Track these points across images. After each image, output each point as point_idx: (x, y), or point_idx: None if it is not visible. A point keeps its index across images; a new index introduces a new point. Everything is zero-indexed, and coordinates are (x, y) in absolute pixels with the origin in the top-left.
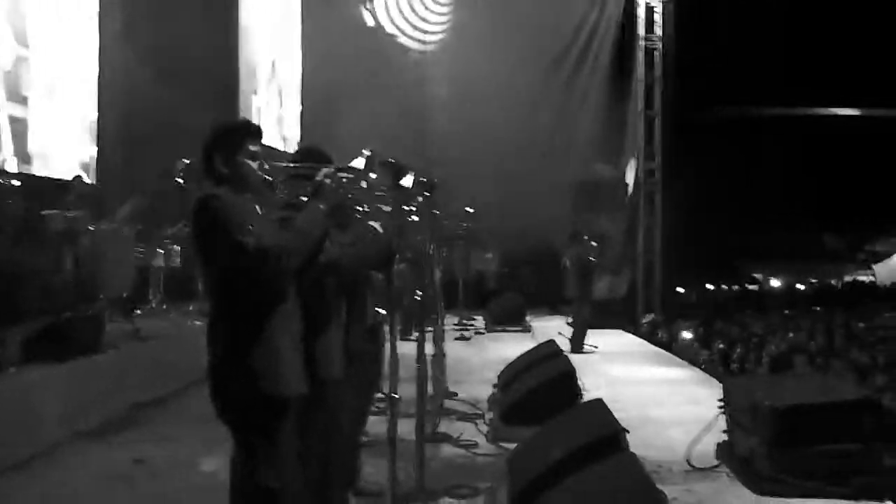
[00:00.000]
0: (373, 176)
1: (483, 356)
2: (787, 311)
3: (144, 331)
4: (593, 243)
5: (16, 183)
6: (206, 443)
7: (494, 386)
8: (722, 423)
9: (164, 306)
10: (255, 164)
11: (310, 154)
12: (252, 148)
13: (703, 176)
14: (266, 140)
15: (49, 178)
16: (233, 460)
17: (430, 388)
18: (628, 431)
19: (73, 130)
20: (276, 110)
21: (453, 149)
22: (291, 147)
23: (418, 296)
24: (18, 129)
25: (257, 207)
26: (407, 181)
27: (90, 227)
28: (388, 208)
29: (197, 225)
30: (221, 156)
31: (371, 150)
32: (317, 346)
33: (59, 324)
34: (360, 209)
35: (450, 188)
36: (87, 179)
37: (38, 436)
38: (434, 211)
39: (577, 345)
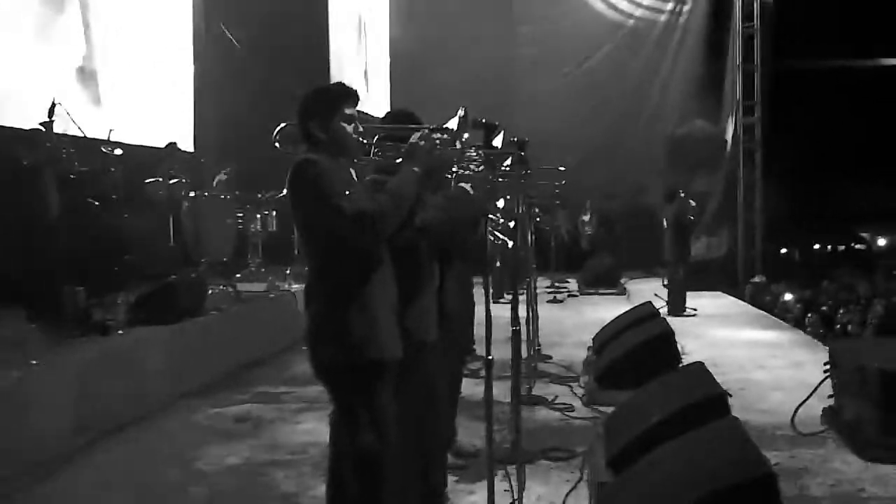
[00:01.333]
0: (465, 136)
1: (577, 319)
2: (894, 272)
3: (244, 294)
4: (691, 202)
5: (118, 152)
6: (306, 402)
7: (589, 349)
8: (828, 387)
9: (263, 270)
10: (350, 128)
11: (401, 116)
12: (348, 112)
13: (805, 131)
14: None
15: (148, 146)
16: (333, 421)
17: (524, 351)
18: (731, 395)
19: (169, 98)
20: (362, 67)
21: (545, 107)
22: (380, 104)
23: (511, 257)
24: (116, 98)
25: (352, 172)
26: (498, 141)
27: (190, 194)
28: (479, 168)
29: (294, 189)
30: (317, 120)
31: (465, 110)
32: (412, 309)
33: (163, 288)
34: (454, 170)
35: (543, 147)
36: (181, 147)
37: (144, 396)
38: (526, 171)
39: (676, 307)
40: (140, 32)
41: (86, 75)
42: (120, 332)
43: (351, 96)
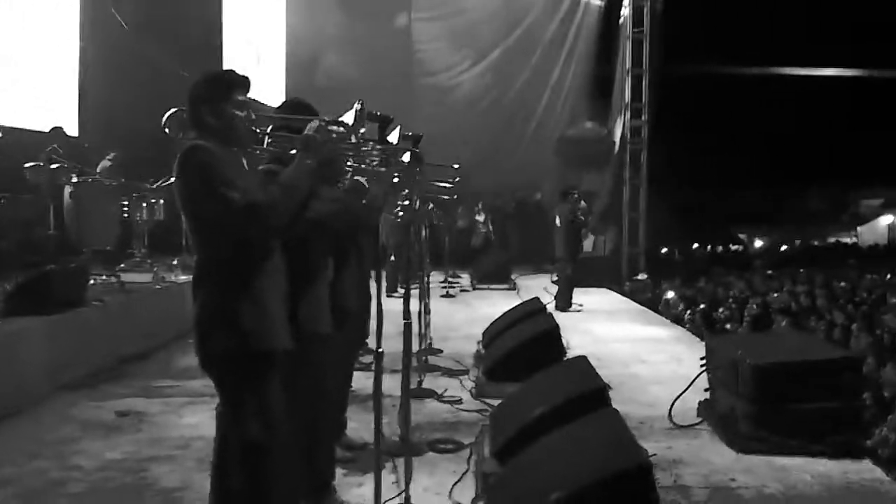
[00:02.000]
0: (362, 130)
1: (468, 313)
2: (769, 272)
3: (129, 284)
4: (583, 202)
5: None
6: (191, 396)
7: (479, 343)
8: (704, 381)
9: (149, 260)
10: (242, 115)
11: (297, 107)
12: (240, 98)
13: (689, 135)
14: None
15: (29, 129)
16: (219, 413)
17: (415, 345)
18: (611, 388)
19: (54, 82)
20: (255, 53)
21: (439, 105)
22: (274, 94)
23: (404, 252)
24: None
25: (244, 160)
26: (393, 136)
27: (73, 180)
28: (375, 163)
29: (182, 177)
30: (208, 106)
31: (361, 103)
32: (304, 301)
33: (40, 276)
34: (349, 164)
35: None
36: (67, 131)
37: (21, 389)
38: (420, 167)
39: (563, 303)
40: (24, 12)
41: None
42: None
43: (243, 83)
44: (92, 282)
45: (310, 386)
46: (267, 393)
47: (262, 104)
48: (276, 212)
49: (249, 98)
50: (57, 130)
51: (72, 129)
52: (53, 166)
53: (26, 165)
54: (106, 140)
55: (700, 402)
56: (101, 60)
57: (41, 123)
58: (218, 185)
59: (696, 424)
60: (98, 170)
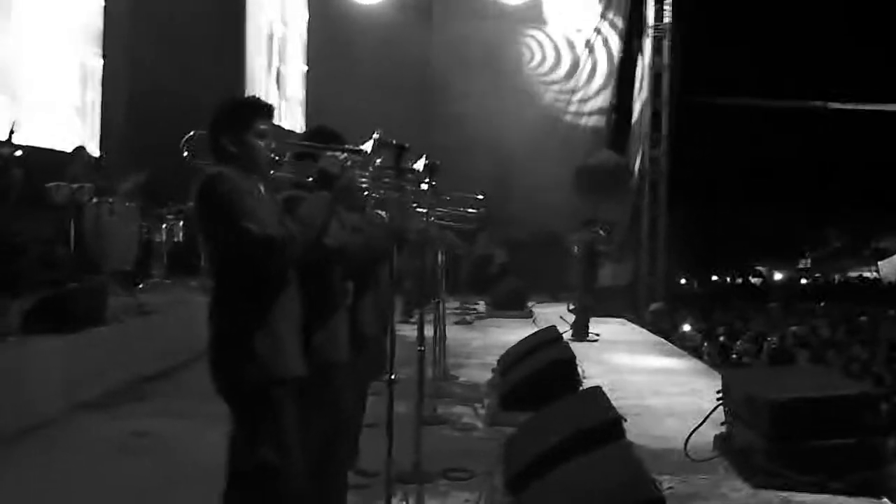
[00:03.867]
0: (378, 160)
1: (484, 340)
2: (788, 305)
3: (147, 305)
4: (601, 231)
5: (18, 153)
6: (207, 417)
7: (494, 370)
8: (720, 414)
9: (167, 281)
10: (262, 144)
11: (321, 133)
12: (261, 127)
13: (708, 166)
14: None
15: (52, 149)
16: (231, 437)
17: (429, 372)
18: (626, 420)
19: (76, 103)
20: (275, 67)
21: (456, 132)
22: (294, 113)
23: (420, 279)
24: (21, 99)
25: (262, 188)
26: (419, 164)
27: (94, 200)
28: (392, 191)
29: (202, 205)
30: (229, 134)
31: (379, 133)
32: (322, 328)
33: (61, 295)
34: (367, 192)
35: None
36: (90, 151)
37: (38, 407)
38: (438, 194)
39: (580, 332)
40: (48, 35)
41: None
42: (12, 339)
43: (265, 111)
44: (111, 302)
45: (324, 413)
46: (280, 419)
47: (286, 130)
48: (293, 245)
49: (273, 124)
50: (80, 150)
51: (93, 150)
52: (75, 186)
53: (48, 185)
54: (128, 161)
55: (716, 436)
56: (123, 83)
57: (64, 143)
58: (237, 217)
59: (713, 458)
60: (120, 190)
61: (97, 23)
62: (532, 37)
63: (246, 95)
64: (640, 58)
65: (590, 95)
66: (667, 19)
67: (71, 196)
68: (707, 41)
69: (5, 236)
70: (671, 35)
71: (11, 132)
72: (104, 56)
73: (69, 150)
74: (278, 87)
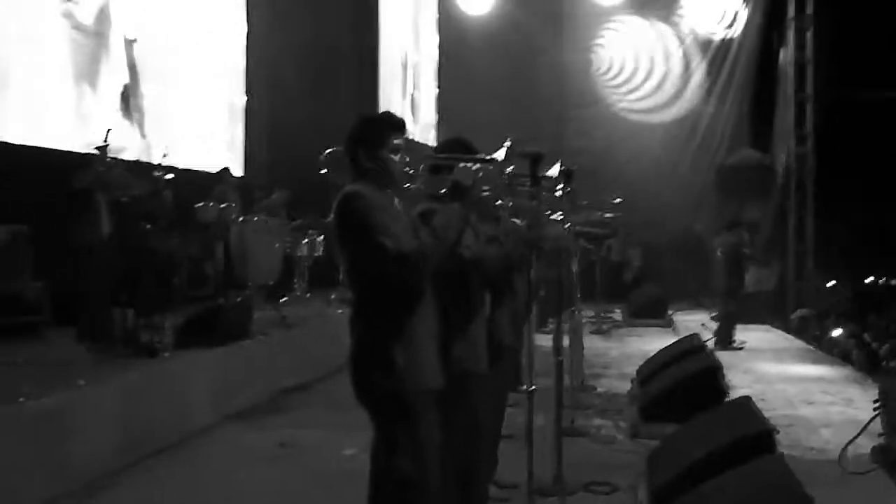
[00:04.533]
0: (511, 168)
1: (621, 350)
2: None
3: (290, 318)
4: (746, 234)
5: (169, 176)
6: (349, 428)
7: (633, 381)
8: (878, 424)
9: (308, 294)
10: (397, 159)
11: (456, 145)
12: (395, 142)
13: (859, 162)
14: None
15: (199, 170)
16: (374, 447)
17: (567, 382)
18: (778, 431)
19: (221, 123)
20: (409, 94)
21: (593, 136)
22: (427, 137)
23: (555, 288)
24: (168, 121)
25: (397, 202)
26: (553, 170)
27: (239, 219)
28: (527, 199)
29: (340, 221)
30: (365, 150)
31: (511, 141)
32: (461, 339)
33: (210, 311)
34: (501, 201)
35: (592, 176)
36: (234, 172)
37: (189, 419)
38: (573, 200)
39: (724, 340)
40: (191, 61)
41: (133, 104)
42: (167, 354)
43: (398, 126)
44: (256, 316)
45: (464, 424)
46: (419, 430)
47: (419, 143)
48: (426, 260)
49: (406, 138)
50: (225, 172)
51: (237, 170)
52: (222, 205)
53: (197, 205)
54: (270, 180)
55: (874, 447)
56: (265, 106)
57: (211, 165)
58: (373, 233)
59: (871, 471)
60: (263, 208)
61: (240, 62)
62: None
63: (380, 112)
64: (782, 51)
65: (727, 92)
66: (809, 10)
67: (218, 215)
68: (854, 30)
69: (159, 255)
70: (814, 26)
71: (106, 136)
72: (248, 93)
73: (215, 171)
74: (412, 114)
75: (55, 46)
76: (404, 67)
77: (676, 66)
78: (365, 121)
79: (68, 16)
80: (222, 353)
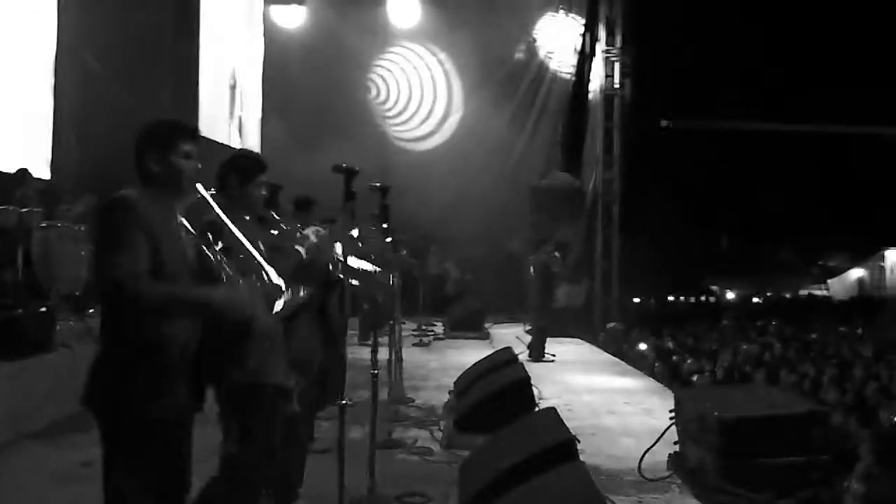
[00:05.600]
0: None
1: (441, 362)
2: (740, 323)
3: (97, 330)
4: (556, 253)
5: None
6: None
7: (450, 392)
8: (674, 433)
9: None
10: (188, 164)
11: (242, 159)
12: (186, 147)
13: (661, 187)
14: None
15: None
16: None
17: (384, 395)
18: (579, 441)
19: (27, 125)
20: (234, 112)
21: (411, 154)
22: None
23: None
24: None
25: (179, 215)
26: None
27: (43, 224)
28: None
29: (98, 225)
30: (152, 153)
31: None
32: (252, 353)
33: (9, 320)
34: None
35: (409, 194)
36: (34, 174)
37: None
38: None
39: (537, 353)
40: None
41: None
42: None
43: (187, 131)
44: (59, 327)
45: (257, 442)
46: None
47: (223, 145)
48: (145, 300)
49: (202, 140)
50: (23, 173)
51: (43, 173)
52: (24, 209)
53: None
54: (79, 184)
55: (670, 455)
56: (74, 106)
57: (12, 166)
58: (118, 247)
59: (667, 478)
60: (69, 214)
61: (50, 48)
62: None
63: (170, 118)
64: (591, 82)
65: (544, 117)
66: (618, 44)
67: (19, 219)
68: (659, 63)
69: None
70: (622, 58)
71: None
72: (55, 82)
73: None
74: (239, 134)
75: None
76: (231, 89)
77: (496, 90)
78: (153, 123)
79: None
80: (21, 365)
